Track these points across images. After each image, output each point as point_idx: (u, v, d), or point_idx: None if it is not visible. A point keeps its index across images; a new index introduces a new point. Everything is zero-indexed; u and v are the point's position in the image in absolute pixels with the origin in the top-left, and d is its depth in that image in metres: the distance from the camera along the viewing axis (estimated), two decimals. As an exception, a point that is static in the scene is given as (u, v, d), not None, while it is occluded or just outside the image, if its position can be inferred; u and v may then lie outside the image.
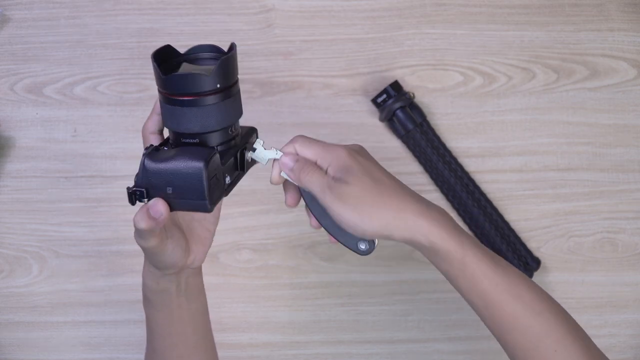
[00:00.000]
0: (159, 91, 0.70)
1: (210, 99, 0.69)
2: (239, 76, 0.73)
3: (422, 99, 1.07)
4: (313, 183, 0.71)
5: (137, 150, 1.05)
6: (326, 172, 0.72)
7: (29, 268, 1.05)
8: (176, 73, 0.69)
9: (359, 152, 0.74)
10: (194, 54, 0.73)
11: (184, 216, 0.77)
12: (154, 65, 0.69)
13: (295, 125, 1.07)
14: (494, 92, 1.08)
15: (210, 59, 0.73)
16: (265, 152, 0.75)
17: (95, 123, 1.06)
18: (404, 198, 0.71)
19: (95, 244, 1.05)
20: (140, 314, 1.04)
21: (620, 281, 1.07)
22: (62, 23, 1.07)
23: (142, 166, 0.69)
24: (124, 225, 1.05)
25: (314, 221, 0.75)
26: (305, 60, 1.07)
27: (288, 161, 0.73)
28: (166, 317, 0.80)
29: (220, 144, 0.72)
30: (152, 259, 0.75)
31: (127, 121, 1.06)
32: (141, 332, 1.04)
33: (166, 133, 0.75)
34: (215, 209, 0.78)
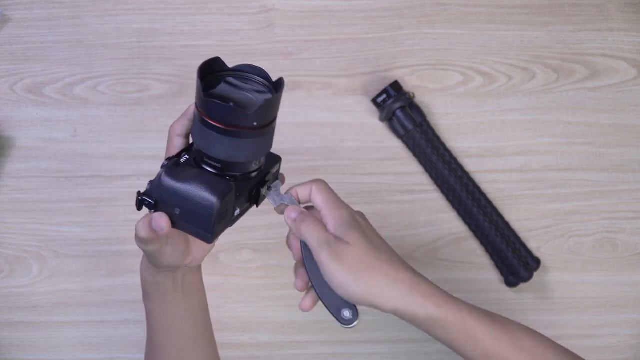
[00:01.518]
0: (195, 105, 0.68)
1: (244, 134, 0.67)
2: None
3: (422, 99, 1.07)
4: (312, 236, 0.70)
5: (137, 150, 1.05)
6: (326, 228, 0.71)
7: (29, 268, 1.05)
8: (216, 101, 0.66)
9: (361, 217, 0.73)
10: (240, 72, 0.70)
11: None
12: (197, 81, 0.66)
13: (295, 125, 1.07)
14: (494, 92, 1.08)
15: (256, 83, 0.70)
16: (279, 196, 0.74)
17: (95, 123, 1.06)
18: (400, 268, 0.71)
19: (95, 244, 1.05)
20: (140, 314, 1.04)
21: (620, 281, 1.07)
22: (62, 23, 1.07)
23: (159, 179, 0.68)
24: (124, 225, 1.05)
25: (299, 283, 0.74)
26: (305, 60, 1.07)
27: (291, 212, 0.73)
28: (163, 311, 0.80)
29: (241, 175, 0.70)
30: (149, 260, 0.75)
31: (127, 121, 1.06)
32: (141, 332, 1.04)
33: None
34: None
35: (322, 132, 1.07)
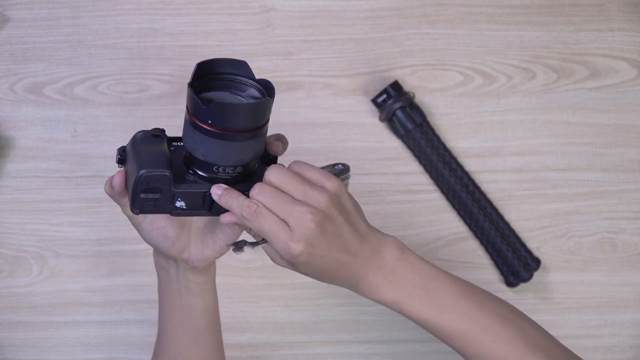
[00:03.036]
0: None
1: (202, 129, 0.67)
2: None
3: (422, 99, 1.07)
4: (270, 234, 0.68)
5: (137, 150, 1.05)
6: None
7: (29, 268, 1.05)
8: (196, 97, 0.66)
9: (334, 209, 0.68)
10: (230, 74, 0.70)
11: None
12: (189, 89, 0.67)
13: (295, 125, 1.07)
14: (494, 92, 1.08)
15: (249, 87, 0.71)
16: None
17: (95, 123, 1.06)
18: (361, 272, 0.70)
19: (95, 244, 1.05)
20: (140, 314, 1.04)
21: (620, 281, 1.07)
22: (62, 23, 1.07)
23: (133, 138, 0.71)
24: (124, 225, 1.04)
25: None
26: (305, 60, 1.07)
27: (216, 190, 0.69)
28: (168, 300, 0.80)
29: (208, 176, 0.70)
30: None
31: (127, 121, 1.06)
32: (141, 332, 1.04)
33: None
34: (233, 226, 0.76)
35: (322, 132, 1.07)
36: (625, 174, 1.07)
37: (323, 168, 0.71)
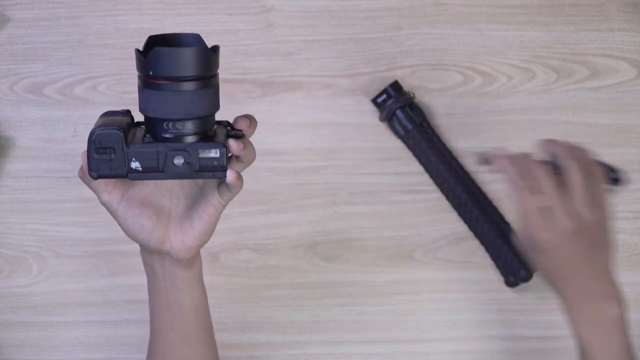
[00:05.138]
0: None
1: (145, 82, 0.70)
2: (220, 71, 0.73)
3: (422, 99, 1.07)
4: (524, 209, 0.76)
5: (137, 150, 1.05)
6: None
7: (29, 268, 1.05)
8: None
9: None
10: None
11: (160, 199, 0.76)
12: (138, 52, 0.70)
13: (295, 125, 1.07)
14: (494, 92, 1.08)
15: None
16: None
17: (95, 123, 1.06)
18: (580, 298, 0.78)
19: (95, 244, 1.05)
20: (140, 314, 1.04)
21: (620, 281, 1.07)
22: (62, 23, 1.07)
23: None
24: (124, 225, 1.05)
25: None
26: (305, 60, 1.07)
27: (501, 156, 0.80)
28: (156, 299, 0.81)
29: (166, 136, 0.71)
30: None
31: (127, 121, 1.06)
32: (141, 332, 1.04)
33: None
34: (207, 206, 0.75)
35: (322, 132, 1.07)
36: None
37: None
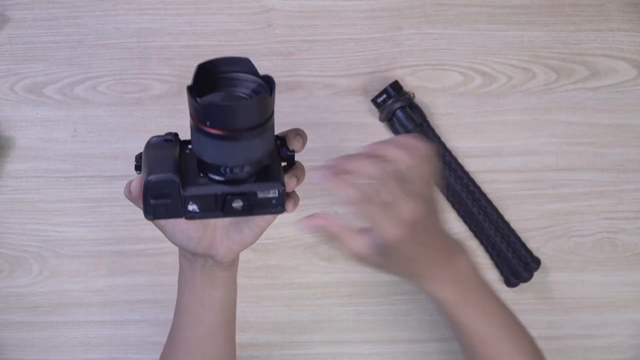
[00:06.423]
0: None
1: (206, 132, 0.67)
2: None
3: (422, 99, 1.07)
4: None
5: (138, 150, 1.05)
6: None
7: (29, 268, 1.05)
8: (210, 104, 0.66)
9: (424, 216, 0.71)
10: (231, 72, 0.70)
11: None
12: (189, 92, 0.67)
13: (295, 125, 1.06)
14: (494, 92, 1.08)
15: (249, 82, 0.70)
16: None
17: (95, 123, 1.06)
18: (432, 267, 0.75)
19: (95, 244, 1.05)
20: (140, 314, 1.04)
21: (620, 281, 1.07)
22: (62, 23, 1.07)
23: (147, 143, 0.72)
24: (124, 225, 1.05)
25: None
26: (305, 60, 1.07)
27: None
28: (189, 292, 0.81)
29: (224, 180, 0.70)
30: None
31: (127, 121, 1.06)
32: (141, 332, 1.04)
33: None
34: (261, 221, 0.78)
35: (322, 132, 1.07)
36: (625, 174, 1.08)
37: None
